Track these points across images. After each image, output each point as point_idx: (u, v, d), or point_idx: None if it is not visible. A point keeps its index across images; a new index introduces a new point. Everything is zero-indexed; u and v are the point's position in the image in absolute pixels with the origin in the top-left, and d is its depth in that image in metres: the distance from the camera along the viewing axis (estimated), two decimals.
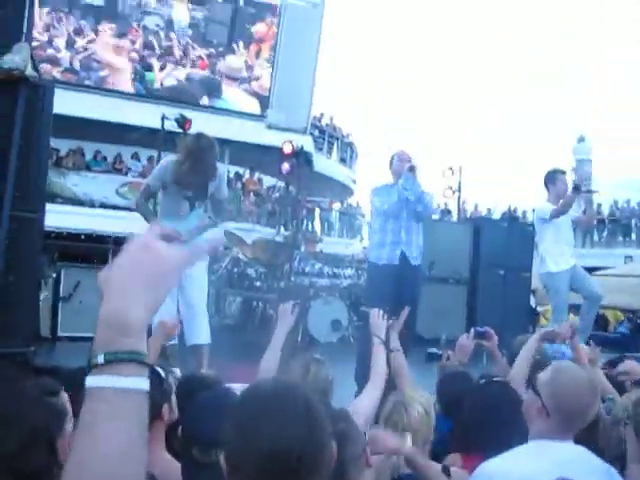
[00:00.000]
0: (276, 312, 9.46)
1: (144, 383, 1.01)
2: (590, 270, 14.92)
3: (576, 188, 7.10)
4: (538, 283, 11.15)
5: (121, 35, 20.40)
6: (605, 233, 26.69)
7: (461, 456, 3.03)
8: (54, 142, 18.78)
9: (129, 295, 1.05)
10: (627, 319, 14.62)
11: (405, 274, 6.16)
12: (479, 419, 3.04)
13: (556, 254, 7.26)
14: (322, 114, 26.92)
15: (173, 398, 2.54)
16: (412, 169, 6.13)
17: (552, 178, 7.37)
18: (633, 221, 25.60)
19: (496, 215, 25.38)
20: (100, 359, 1.00)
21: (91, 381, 1.00)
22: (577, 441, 2.63)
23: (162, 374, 2.45)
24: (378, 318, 3.74)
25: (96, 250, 15.60)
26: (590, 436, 2.94)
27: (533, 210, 8.80)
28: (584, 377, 2.71)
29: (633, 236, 25.27)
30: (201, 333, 5.44)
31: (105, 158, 20.85)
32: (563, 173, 7.53)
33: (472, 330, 4.32)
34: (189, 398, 2.58)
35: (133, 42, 20.64)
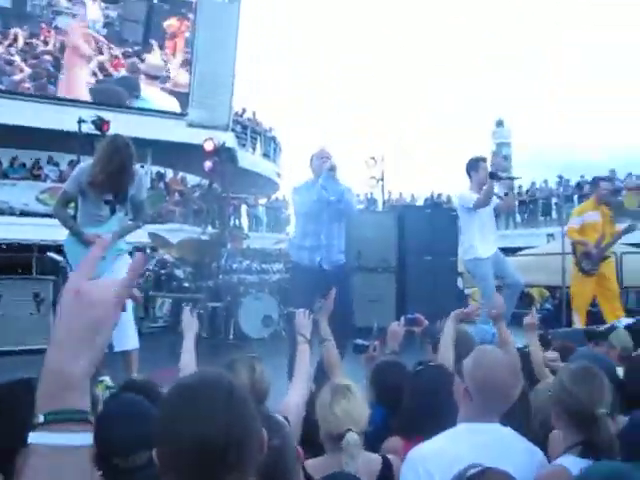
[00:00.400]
0: (206, 312, 9.47)
1: (86, 438, 1.03)
2: (515, 250, 15.32)
3: (492, 175, 7.12)
4: (464, 266, 11.36)
5: (33, 36, 19.86)
6: (526, 214, 27.36)
7: (402, 440, 3.06)
8: None
9: (68, 348, 1.04)
10: (551, 296, 15.02)
11: (328, 275, 6.10)
12: (419, 404, 3.09)
13: (480, 242, 7.35)
14: (244, 109, 26.85)
15: (100, 408, 2.49)
16: (332, 169, 6.09)
17: (474, 166, 7.44)
18: (553, 200, 26.27)
19: (420, 202, 25.78)
20: (40, 419, 1.01)
21: (32, 438, 1.01)
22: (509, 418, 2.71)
23: None
24: (303, 318, 3.76)
25: (19, 259, 15.23)
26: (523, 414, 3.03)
27: (456, 196, 8.96)
28: (503, 360, 2.77)
29: (554, 214, 25.95)
30: (129, 339, 5.35)
31: (23, 165, 20.33)
32: (484, 160, 7.65)
33: (402, 318, 4.37)
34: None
35: (46, 43, 20.12)
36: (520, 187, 27.09)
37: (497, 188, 7.54)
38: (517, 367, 2.80)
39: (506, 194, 8.21)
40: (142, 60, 21.40)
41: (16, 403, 2.86)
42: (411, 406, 3.15)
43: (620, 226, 8.93)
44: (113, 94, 20.66)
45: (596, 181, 9.03)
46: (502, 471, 2.04)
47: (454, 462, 2.39)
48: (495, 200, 7.60)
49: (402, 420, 3.19)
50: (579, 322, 8.44)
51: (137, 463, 2.16)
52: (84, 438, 1.03)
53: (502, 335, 4.11)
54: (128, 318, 5.42)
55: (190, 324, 3.78)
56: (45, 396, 1.03)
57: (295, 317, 3.83)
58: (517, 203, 25.04)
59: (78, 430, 1.02)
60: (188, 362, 3.48)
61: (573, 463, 2.43)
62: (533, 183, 27.63)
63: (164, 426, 1.45)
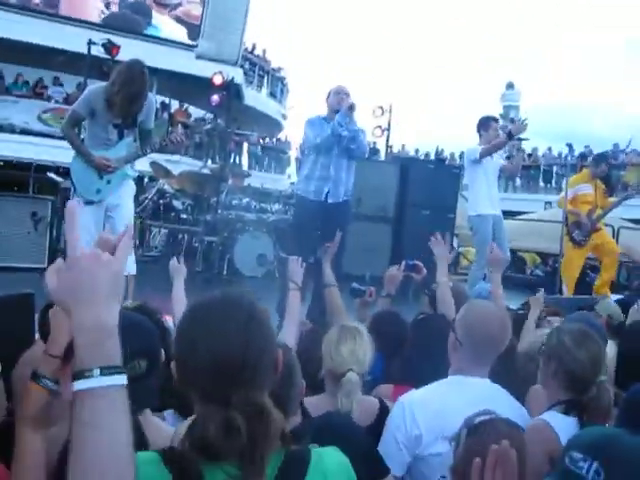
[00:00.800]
0: (201, 245, 9.49)
1: (124, 379, 1.27)
2: (512, 214, 15.34)
3: (510, 134, 7.24)
4: (461, 224, 11.41)
5: None
6: (527, 179, 27.30)
7: (393, 387, 3.14)
8: None
9: (101, 304, 1.24)
10: (543, 262, 15.10)
11: (332, 210, 6.19)
12: (420, 352, 3.14)
13: (486, 198, 7.56)
14: (254, 45, 26.49)
15: None
16: (352, 107, 6.11)
17: (485, 124, 7.61)
18: (554, 168, 26.22)
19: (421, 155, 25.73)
20: (96, 373, 1.21)
21: (84, 384, 1.20)
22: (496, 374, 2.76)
23: None
24: (296, 265, 3.76)
25: (16, 177, 15.16)
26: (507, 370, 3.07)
27: (461, 155, 9.06)
28: (493, 310, 2.85)
29: (553, 183, 25.94)
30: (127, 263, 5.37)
31: (27, 82, 20.09)
32: (496, 120, 7.83)
33: (403, 262, 4.37)
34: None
35: None
36: (523, 152, 27.02)
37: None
38: (506, 318, 2.84)
39: (508, 157, 8.30)
40: None
41: (17, 315, 2.92)
42: (412, 354, 3.20)
43: (614, 199, 8.95)
44: (129, 21, 20.33)
45: (599, 160, 8.98)
46: (510, 422, 2.07)
47: (440, 412, 2.47)
48: (501, 161, 7.81)
49: (401, 367, 3.24)
50: (567, 291, 8.53)
51: (136, 372, 2.19)
52: (123, 379, 1.27)
53: (494, 285, 4.19)
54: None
55: (178, 271, 3.79)
56: (88, 347, 1.22)
57: (288, 263, 3.83)
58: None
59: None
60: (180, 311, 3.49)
61: (556, 419, 2.49)
62: (535, 149, 27.48)
63: (182, 339, 1.52)
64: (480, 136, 7.62)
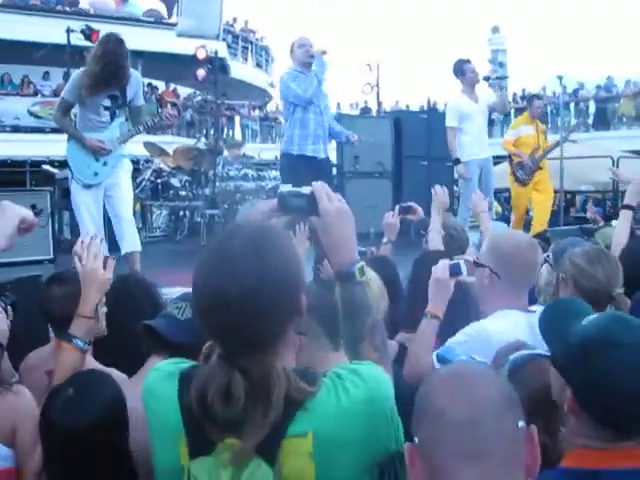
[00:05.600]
0: (204, 219, 9.51)
1: None
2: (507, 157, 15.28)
3: (457, 160, 7.67)
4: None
5: None
6: None
7: (407, 334, 3.00)
8: None
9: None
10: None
11: (323, 167, 6.39)
12: (422, 290, 3.09)
13: (464, 144, 7.68)
14: (235, 18, 26.22)
15: None
16: (324, 52, 6.25)
17: (460, 69, 7.71)
18: (548, 108, 26.00)
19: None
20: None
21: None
22: None
23: None
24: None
25: (12, 175, 15.18)
26: None
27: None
28: (520, 234, 2.80)
29: (549, 123, 25.77)
30: (131, 241, 5.42)
31: (11, 80, 20.00)
32: (468, 62, 7.82)
33: (397, 207, 4.35)
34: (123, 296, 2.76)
35: None
36: (514, 94, 26.88)
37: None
38: (534, 240, 2.76)
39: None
40: None
41: (29, 293, 3.03)
42: (412, 294, 3.16)
43: (551, 140, 9.34)
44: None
45: (531, 99, 9.53)
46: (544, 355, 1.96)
47: None
48: (490, 100, 8.04)
49: (404, 312, 3.18)
50: (515, 225, 8.94)
51: (182, 313, 2.24)
52: None
53: (484, 226, 4.18)
54: (130, 221, 5.50)
55: None
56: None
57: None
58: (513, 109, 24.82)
59: None
60: None
61: None
62: (524, 90, 27.31)
63: (193, 280, 1.38)
64: (461, 82, 7.72)
